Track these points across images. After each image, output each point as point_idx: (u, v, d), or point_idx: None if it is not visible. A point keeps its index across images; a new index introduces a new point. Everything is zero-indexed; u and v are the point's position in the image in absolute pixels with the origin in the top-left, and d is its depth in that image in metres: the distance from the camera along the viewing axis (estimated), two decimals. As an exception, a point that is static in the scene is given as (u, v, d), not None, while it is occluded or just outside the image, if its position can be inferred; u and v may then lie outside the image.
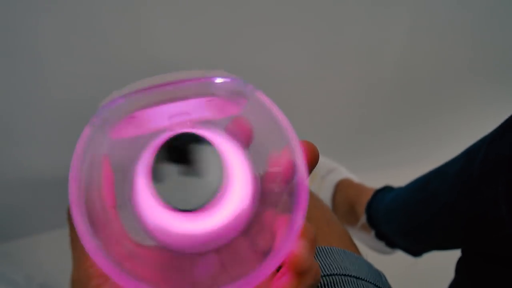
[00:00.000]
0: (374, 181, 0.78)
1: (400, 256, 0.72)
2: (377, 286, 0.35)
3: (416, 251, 0.66)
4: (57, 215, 0.69)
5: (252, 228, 0.23)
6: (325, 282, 0.31)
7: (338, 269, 0.32)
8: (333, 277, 0.31)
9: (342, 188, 0.80)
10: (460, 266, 0.55)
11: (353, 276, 0.33)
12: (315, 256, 0.33)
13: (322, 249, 0.34)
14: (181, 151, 0.23)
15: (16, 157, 0.77)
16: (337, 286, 0.31)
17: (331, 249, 0.35)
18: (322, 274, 0.32)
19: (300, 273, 0.19)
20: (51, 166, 0.79)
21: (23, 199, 0.83)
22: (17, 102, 0.72)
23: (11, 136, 0.75)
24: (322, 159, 0.82)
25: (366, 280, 0.34)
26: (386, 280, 0.39)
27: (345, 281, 0.32)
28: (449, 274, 0.56)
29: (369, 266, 0.37)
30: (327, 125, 0.92)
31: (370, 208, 0.73)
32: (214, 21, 0.74)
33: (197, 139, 0.23)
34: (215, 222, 0.23)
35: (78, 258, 0.22)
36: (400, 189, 0.67)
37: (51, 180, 0.79)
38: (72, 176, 0.20)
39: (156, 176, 0.22)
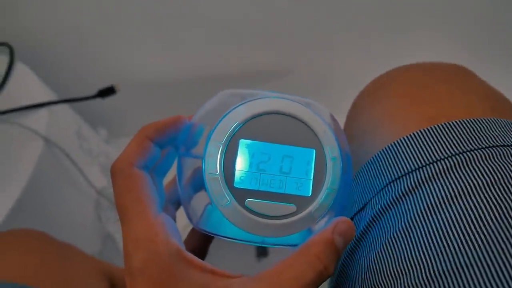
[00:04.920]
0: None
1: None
2: None
3: None
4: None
5: None
6: (501, 153, 0.27)
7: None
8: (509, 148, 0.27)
9: None
10: None
11: None
12: (489, 127, 0.28)
13: (495, 120, 0.29)
14: None
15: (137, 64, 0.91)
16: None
17: (505, 120, 0.29)
18: (495, 144, 0.27)
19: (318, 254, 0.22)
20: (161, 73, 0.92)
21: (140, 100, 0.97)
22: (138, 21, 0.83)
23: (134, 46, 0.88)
24: None
25: None
26: None
27: None
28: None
29: None
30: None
31: None
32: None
33: None
34: None
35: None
36: None
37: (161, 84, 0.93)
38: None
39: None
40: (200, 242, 0.29)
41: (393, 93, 0.33)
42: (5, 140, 0.62)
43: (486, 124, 0.28)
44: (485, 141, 0.27)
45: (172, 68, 0.92)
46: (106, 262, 0.48)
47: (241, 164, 0.25)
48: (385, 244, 0.27)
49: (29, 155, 0.59)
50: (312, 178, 0.25)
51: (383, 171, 0.29)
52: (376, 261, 0.27)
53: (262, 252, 0.94)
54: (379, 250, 0.27)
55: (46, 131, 0.62)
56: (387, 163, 0.29)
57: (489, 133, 0.28)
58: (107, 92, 0.69)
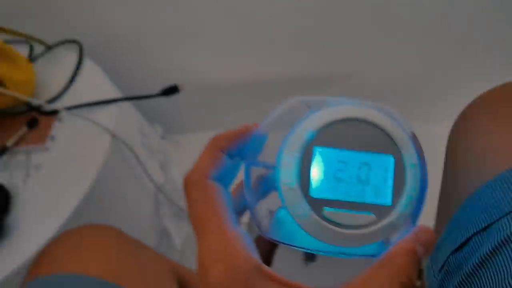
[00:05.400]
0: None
1: None
2: None
3: None
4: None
5: None
6: None
7: None
8: None
9: None
10: None
11: None
12: None
13: None
14: None
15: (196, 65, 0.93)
16: None
17: None
18: None
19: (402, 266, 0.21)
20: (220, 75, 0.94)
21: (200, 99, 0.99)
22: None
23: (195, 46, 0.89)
24: None
25: None
26: None
27: None
28: None
29: None
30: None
31: None
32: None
33: None
34: None
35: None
36: None
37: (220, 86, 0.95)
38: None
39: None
40: (266, 251, 0.29)
41: None
42: (75, 134, 0.65)
43: None
44: None
45: (228, 71, 0.93)
46: (174, 262, 0.49)
47: (317, 173, 0.24)
48: None
49: (98, 149, 0.61)
50: (391, 186, 0.24)
51: None
52: None
53: (309, 256, 0.93)
54: (508, 282, 0.25)
55: (114, 127, 0.64)
56: None
57: None
58: (171, 90, 0.70)
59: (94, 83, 0.73)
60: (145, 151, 0.75)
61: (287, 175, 0.24)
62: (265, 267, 0.22)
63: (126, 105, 0.76)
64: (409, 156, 0.24)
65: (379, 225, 0.24)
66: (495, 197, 0.28)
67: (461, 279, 0.29)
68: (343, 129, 0.25)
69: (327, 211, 0.24)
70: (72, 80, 0.73)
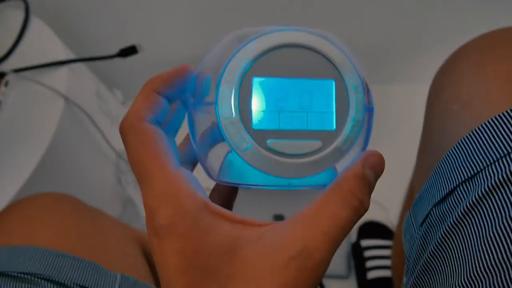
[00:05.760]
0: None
1: None
2: None
3: None
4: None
5: None
6: None
7: None
8: None
9: None
10: None
11: None
12: None
13: None
14: None
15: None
16: None
17: None
18: None
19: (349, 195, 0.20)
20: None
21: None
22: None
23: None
24: None
25: None
26: None
27: None
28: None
29: None
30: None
31: None
32: None
33: None
34: None
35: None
36: None
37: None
38: None
39: None
40: (223, 201, 0.28)
41: (504, 57, 0.30)
42: (25, 99, 0.60)
43: None
44: None
45: (191, 36, 0.88)
46: (136, 229, 0.46)
47: (257, 104, 0.23)
48: (504, 225, 0.24)
49: (50, 114, 0.57)
50: (334, 110, 0.24)
51: (502, 139, 0.26)
52: (491, 241, 0.24)
53: (278, 218, 0.94)
54: (495, 231, 0.24)
55: (67, 90, 0.60)
56: (506, 131, 0.26)
57: None
58: (129, 51, 0.66)
59: (43, 43, 0.67)
60: (103, 116, 0.70)
61: (225, 108, 0.23)
62: (212, 204, 0.21)
63: (81, 67, 0.70)
64: (351, 79, 0.24)
65: (326, 151, 0.23)
66: (482, 145, 0.27)
67: (445, 230, 0.28)
68: (281, 56, 0.24)
69: (272, 141, 0.23)
70: (18, 40, 0.67)
